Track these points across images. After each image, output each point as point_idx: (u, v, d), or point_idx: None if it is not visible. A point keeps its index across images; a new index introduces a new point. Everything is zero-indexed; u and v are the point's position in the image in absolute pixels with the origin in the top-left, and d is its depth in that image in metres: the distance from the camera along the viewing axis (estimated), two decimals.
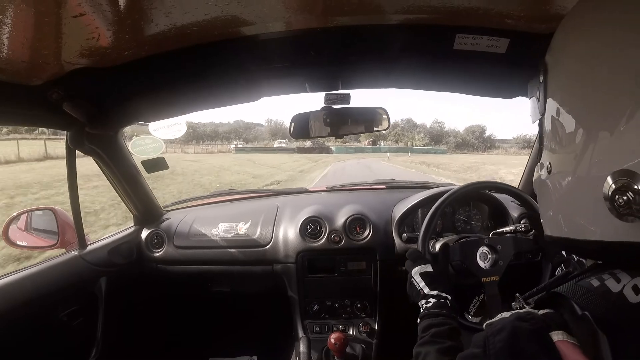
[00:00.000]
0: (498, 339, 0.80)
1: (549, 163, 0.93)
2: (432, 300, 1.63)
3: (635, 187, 0.69)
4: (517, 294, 1.67)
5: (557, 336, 0.76)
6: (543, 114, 0.96)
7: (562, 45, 0.92)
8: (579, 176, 0.82)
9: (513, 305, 1.15)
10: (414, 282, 1.76)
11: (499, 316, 0.90)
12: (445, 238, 2.17)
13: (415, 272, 1.78)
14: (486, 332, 0.86)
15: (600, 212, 0.76)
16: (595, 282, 0.81)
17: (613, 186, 0.72)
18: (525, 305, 1.12)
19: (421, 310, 1.62)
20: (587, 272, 0.90)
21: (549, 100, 0.93)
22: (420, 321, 1.57)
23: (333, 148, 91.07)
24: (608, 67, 0.76)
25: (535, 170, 1.05)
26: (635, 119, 0.69)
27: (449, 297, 1.65)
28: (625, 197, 0.70)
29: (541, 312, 0.85)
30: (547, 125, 0.95)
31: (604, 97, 0.76)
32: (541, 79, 0.98)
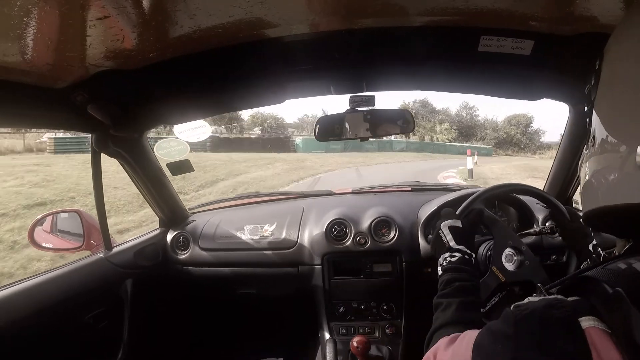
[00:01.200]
0: (527, 326, 0.79)
1: (593, 137, 0.95)
2: (457, 254, 1.62)
3: None
4: (539, 284, 1.65)
5: (587, 322, 0.74)
6: (595, 97, 0.97)
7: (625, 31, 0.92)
8: (618, 145, 0.84)
9: (534, 296, 1.13)
10: (441, 234, 1.73)
11: (527, 299, 0.89)
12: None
13: (445, 225, 1.76)
14: (514, 314, 0.84)
15: (634, 174, 0.76)
16: (622, 265, 0.82)
17: None
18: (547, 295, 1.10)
19: (444, 264, 1.62)
20: (613, 260, 0.90)
21: (601, 81, 0.94)
22: (442, 274, 1.58)
23: (298, 141, 45.27)
24: None
25: (582, 157, 1.05)
26: None
27: (474, 255, 1.65)
28: None
29: (570, 299, 0.84)
30: (596, 104, 0.96)
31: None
32: (597, 65, 0.97)
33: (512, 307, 0.87)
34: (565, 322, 0.75)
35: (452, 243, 1.67)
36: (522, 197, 2.54)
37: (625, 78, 0.85)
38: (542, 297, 0.87)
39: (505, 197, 2.55)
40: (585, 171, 1.02)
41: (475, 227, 1.91)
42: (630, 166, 0.76)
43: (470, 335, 0.95)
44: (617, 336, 0.71)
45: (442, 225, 1.77)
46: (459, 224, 1.76)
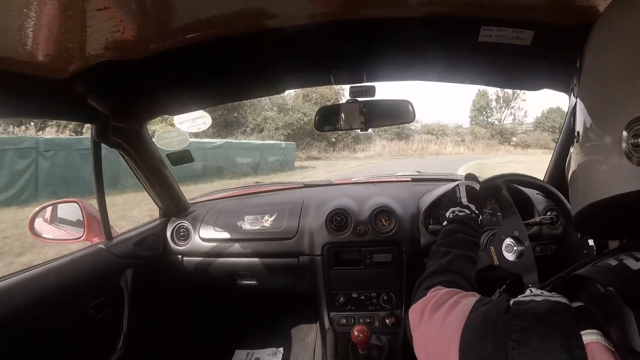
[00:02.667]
0: (524, 325, 0.77)
1: (577, 133, 0.95)
2: (466, 210, 1.62)
3: None
4: (530, 285, 1.64)
5: (590, 337, 0.71)
6: (577, 94, 0.97)
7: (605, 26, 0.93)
8: (601, 132, 0.84)
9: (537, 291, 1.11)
10: (457, 190, 1.73)
11: (528, 293, 0.86)
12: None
13: (462, 184, 1.76)
14: (512, 314, 0.81)
15: (619, 164, 0.77)
16: (613, 262, 0.81)
17: (627, 134, 0.74)
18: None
19: (450, 216, 1.62)
20: (603, 256, 0.89)
21: (582, 78, 0.96)
22: (446, 224, 1.59)
23: None
24: None
25: (568, 156, 1.05)
26: None
27: (481, 217, 1.65)
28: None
29: (574, 304, 0.80)
30: (578, 102, 0.96)
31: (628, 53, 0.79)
32: (578, 64, 0.98)
33: (511, 303, 0.85)
34: (568, 334, 0.73)
35: (464, 200, 1.67)
36: (522, 188, 2.55)
37: (606, 68, 0.87)
38: (545, 298, 0.83)
39: (516, 186, 2.54)
40: (572, 171, 1.02)
41: (489, 198, 1.94)
42: (616, 155, 0.77)
43: (463, 310, 0.94)
44: (618, 351, 0.69)
45: (460, 183, 1.77)
46: (476, 186, 1.76)
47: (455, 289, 1.13)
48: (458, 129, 56.55)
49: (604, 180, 0.84)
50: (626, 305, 0.68)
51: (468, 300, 0.96)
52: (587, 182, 0.92)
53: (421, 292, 1.24)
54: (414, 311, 1.14)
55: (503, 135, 55.53)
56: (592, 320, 0.74)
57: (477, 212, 1.63)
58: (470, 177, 1.86)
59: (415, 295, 1.30)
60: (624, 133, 0.74)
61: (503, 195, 1.95)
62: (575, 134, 0.96)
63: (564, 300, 0.81)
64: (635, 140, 0.72)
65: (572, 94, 1.04)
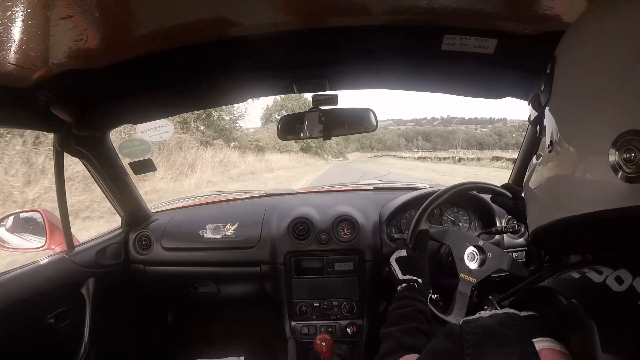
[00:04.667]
0: (476, 342, 0.78)
1: (550, 143, 0.89)
2: (403, 284, 1.69)
3: None
4: (490, 297, 1.68)
5: (541, 343, 0.74)
6: (547, 101, 0.94)
7: (576, 35, 0.91)
8: (582, 142, 0.80)
9: (485, 309, 1.13)
10: (392, 268, 1.82)
11: (477, 315, 0.88)
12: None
13: (393, 257, 1.85)
14: (463, 330, 0.83)
15: (604, 176, 0.72)
16: (575, 275, 0.81)
17: (619, 149, 0.69)
18: (498, 308, 1.11)
19: (396, 294, 1.68)
20: (566, 269, 0.88)
21: (556, 85, 0.91)
22: (392, 305, 1.63)
23: None
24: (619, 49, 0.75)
25: (529, 166, 1.04)
26: (636, 77, 0.69)
27: (420, 279, 1.70)
28: (632, 155, 0.67)
29: (523, 313, 0.83)
30: (551, 107, 0.93)
31: (609, 72, 0.75)
32: (548, 70, 0.94)
33: (461, 323, 0.86)
34: (519, 342, 0.75)
35: (400, 275, 1.76)
36: (483, 195, 2.58)
37: (587, 75, 0.81)
38: (492, 313, 0.86)
39: (465, 196, 2.58)
40: (536, 183, 0.98)
41: (423, 250, 1.94)
42: (600, 170, 0.72)
43: None
44: (575, 356, 0.72)
45: (391, 258, 1.87)
46: (403, 252, 1.84)
47: None
48: None
49: (582, 195, 0.79)
50: (589, 317, 0.69)
51: (415, 355, 0.99)
52: (556, 196, 0.88)
53: None
54: None
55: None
56: (543, 328, 0.77)
57: (414, 278, 1.70)
58: (399, 244, 1.98)
59: None
60: (611, 148, 0.70)
61: (433, 233, 2.02)
62: (548, 144, 0.90)
63: (512, 311, 0.84)
64: (627, 156, 0.67)
65: (535, 101, 1.02)
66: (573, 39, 0.90)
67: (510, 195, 1.95)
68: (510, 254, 2.05)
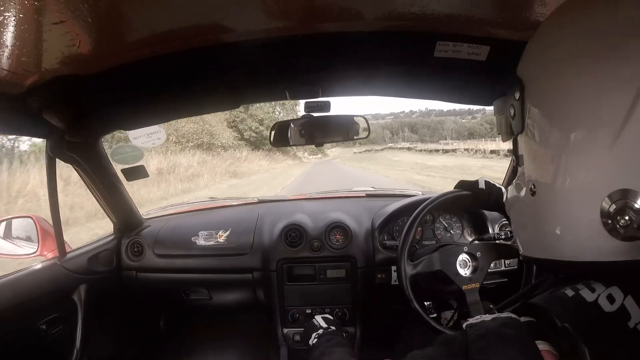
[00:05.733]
0: (482, 345, 0.78)
1: (533, 185, 0.87)
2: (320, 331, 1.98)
3: (636, 205, 0.66)
4: (491, 306, 1.69)
5: (542, 346, 0.76)
6: (521, 132, 0.92)
7: (540, 56, 0.90)
8: (569, 196, 0.78)
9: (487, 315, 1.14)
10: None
11: (478, 317, 0.88)
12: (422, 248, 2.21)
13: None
14: (468, 334, 0.83)
15: (596, 232, 0.72)
16: (569, 292, 0.79)
17: (613, 206, 0.69)
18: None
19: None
20: (561, 282, 0.88)
21: (530, 117, 0.88)
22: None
23: None
24: (591, 77, 0.73)
25: (510, 190, 1.02)
26: (627, 134, 0.67)
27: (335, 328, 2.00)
28: (627, 217, 0.67)
29: (523, 319, 0.84)
30: (529, 143, 0.90)
31: (592, 111, 0.73)
32: (517, 96, 0.92)
33: (465, 327, 0.87)
34: (522, 341, 0.76)
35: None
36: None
37: (573, 122, 0.76)
38: (495, 316, 0.86)
39: (458, 202, 2.57)
40: (521, 214, 0.97)
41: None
42: (592, 224, 0.72)
43: None
44: None
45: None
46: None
47: None
48: None
49: (570, 244, 0.80)
50: (582, 341, 0.70)
51: None
52: (544, 237, 0.86)
53: None
54: None
55: None
56: (541, 333, 0.78)
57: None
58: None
59: None
60: (607, 200, 0.69)
61: (423, 270, 2.04)
62: (531, 186, 0.87)
63: (513, 315, 0.85)
64: (621, 217, 0.67)
65: (504, 125, 1.01)
66: (541, 61, 0.89)
67: (483, 186, 1.96)
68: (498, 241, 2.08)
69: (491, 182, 1.95)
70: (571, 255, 0.80)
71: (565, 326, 0.73)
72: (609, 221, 0.69)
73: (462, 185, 2.03)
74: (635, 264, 0.70)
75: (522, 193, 0.93)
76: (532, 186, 0.87)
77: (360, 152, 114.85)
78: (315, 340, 1.86)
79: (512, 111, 0.94)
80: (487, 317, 0.87)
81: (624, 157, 0.68)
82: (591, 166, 0.73)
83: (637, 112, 0.65)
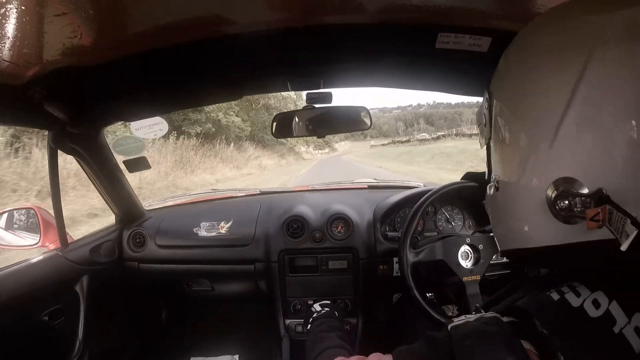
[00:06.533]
0: (467, 344, 0.80)
1: (497, 182, 0.99)
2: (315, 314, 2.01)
3: (574, 191, 0.76)
4: (477, 305, 1.69)
5: (525, 345, 0.77)
6: (489, 138, 1.03)
7: (500, 70, 1.02)
8: (523, 188, 0.88)
9: (473, 314, 1.15)
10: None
11: (462, 318, 0.90)
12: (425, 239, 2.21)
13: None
14: (452, 335, 0.85)
15: (545, 218, 0.82)
16: (555, 296, 0.83)
17: (555, 192, 0.79)
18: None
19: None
20: (547, 285, 0.91)
21: (493, 123, 1.00)
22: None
23: None
24: (537, 87, 0.84)
25: (487, 190, 1.10)
26: (563, 132, 0.77)
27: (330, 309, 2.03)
28: (566, 202, 0.77)
29: (505, 319, 0.86)
30: (494, 145, 1.01)
31: (537, 114, 0.83)
32: (486, 106, 1.05)
33: (449, 328, 0.88)
34: (506, 337, 0.78)
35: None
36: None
37: (520, 127, 0.89)
38: (479, 316, 0.89)
39: (460, 194, 2.58)
40: (491, 210, 1.09)
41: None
42: (540, 211, 0.83)
43: None
44: None
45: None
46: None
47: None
48: None
49: (531, 231, 0.89)
50: (558, 347, 0.73)
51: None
52: (508, 229, 0.98)
53: None
54: None
55: None
56: (524, 333, 0.80)
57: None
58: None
59: None
60: (550, 188, 0.80)
61: (424, 258, 2.06)
62: (494, 185, 1.00)
63: (497, 315, 0.88)
64: (562, 202, 0.78)
65: (481, 132, 1.11)
66: (503, 76, 1.01)
67: (475, 183, 1.96)
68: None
69: None
70: (534, 242, 0.89)
71: (543, 332, 0.77)
72: (553, 206, 0.80)
73: (469, 176, 2.03)
74: (587, 245, 0.77)
75: (491, 191, 1.05)
76: (496, 183, 0.99)
77: (384, 145, 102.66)
78: (309, 326, 1.90)
79: (483, 120, 1.08)
80: (471, 317, 0.89)
81: (563, 150, 0.78)
82: (536, 160, 0.84)
83: (570, 114, 0.76)
